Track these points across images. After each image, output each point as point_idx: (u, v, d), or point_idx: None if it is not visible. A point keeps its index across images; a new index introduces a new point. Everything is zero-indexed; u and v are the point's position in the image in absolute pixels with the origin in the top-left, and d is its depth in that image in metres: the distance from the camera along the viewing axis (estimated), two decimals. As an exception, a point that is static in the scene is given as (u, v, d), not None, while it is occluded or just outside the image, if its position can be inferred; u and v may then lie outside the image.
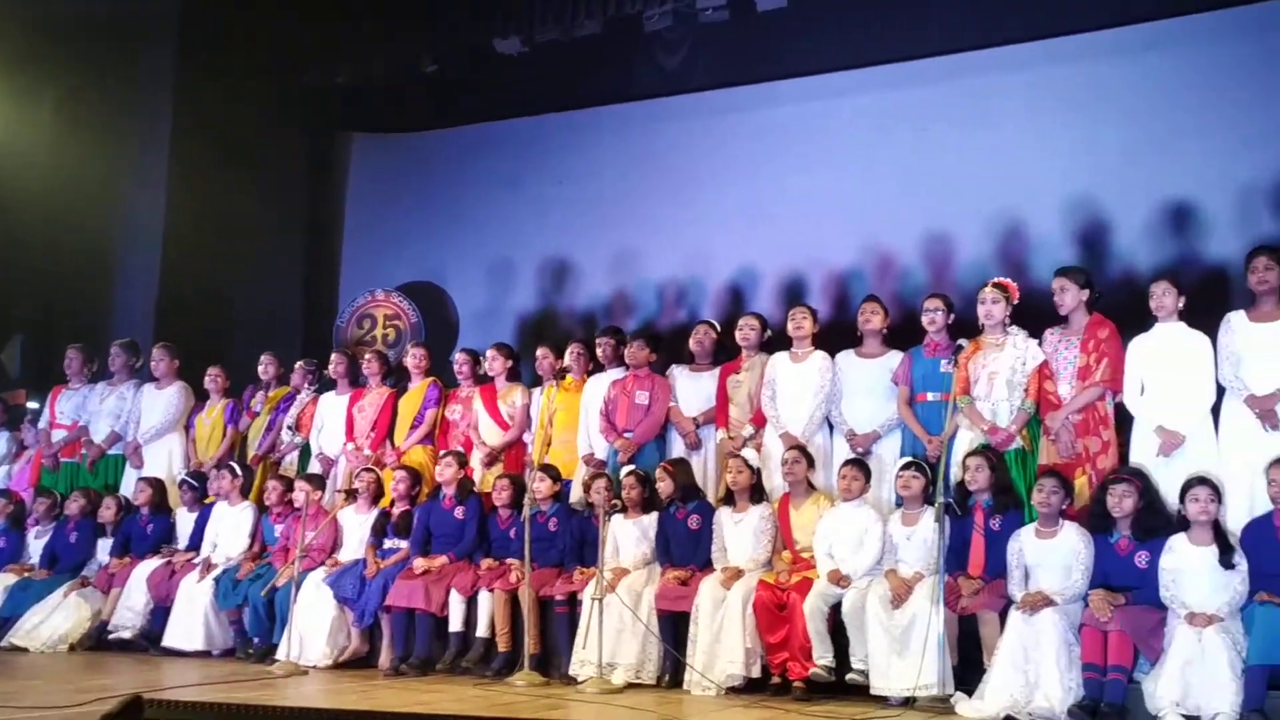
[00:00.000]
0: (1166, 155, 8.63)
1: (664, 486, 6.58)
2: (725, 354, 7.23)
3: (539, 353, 7.74)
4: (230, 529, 7.79)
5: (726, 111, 10.33)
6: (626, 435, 7.05)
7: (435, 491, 7.30)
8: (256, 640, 7.25)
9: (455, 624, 6.74)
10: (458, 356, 8.03)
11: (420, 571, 6.79)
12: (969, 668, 5.55)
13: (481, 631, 6.69)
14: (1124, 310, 6.58)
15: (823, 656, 5.81)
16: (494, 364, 7.78)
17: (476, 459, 7.56)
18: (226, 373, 8.71)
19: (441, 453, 7.40)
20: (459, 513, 7.01)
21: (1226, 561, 5.22)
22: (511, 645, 6.58)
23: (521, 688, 6.15)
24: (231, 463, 8.06)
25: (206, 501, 8.07)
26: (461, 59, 10.76)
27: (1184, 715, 5.00)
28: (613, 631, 6.18)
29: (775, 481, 6.52)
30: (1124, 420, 6.08)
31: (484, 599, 6.71)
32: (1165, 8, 8.82)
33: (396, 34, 10.61)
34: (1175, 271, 7.95)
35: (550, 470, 6.99)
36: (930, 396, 6.37)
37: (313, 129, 11.72)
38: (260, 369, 8.68)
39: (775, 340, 7.13)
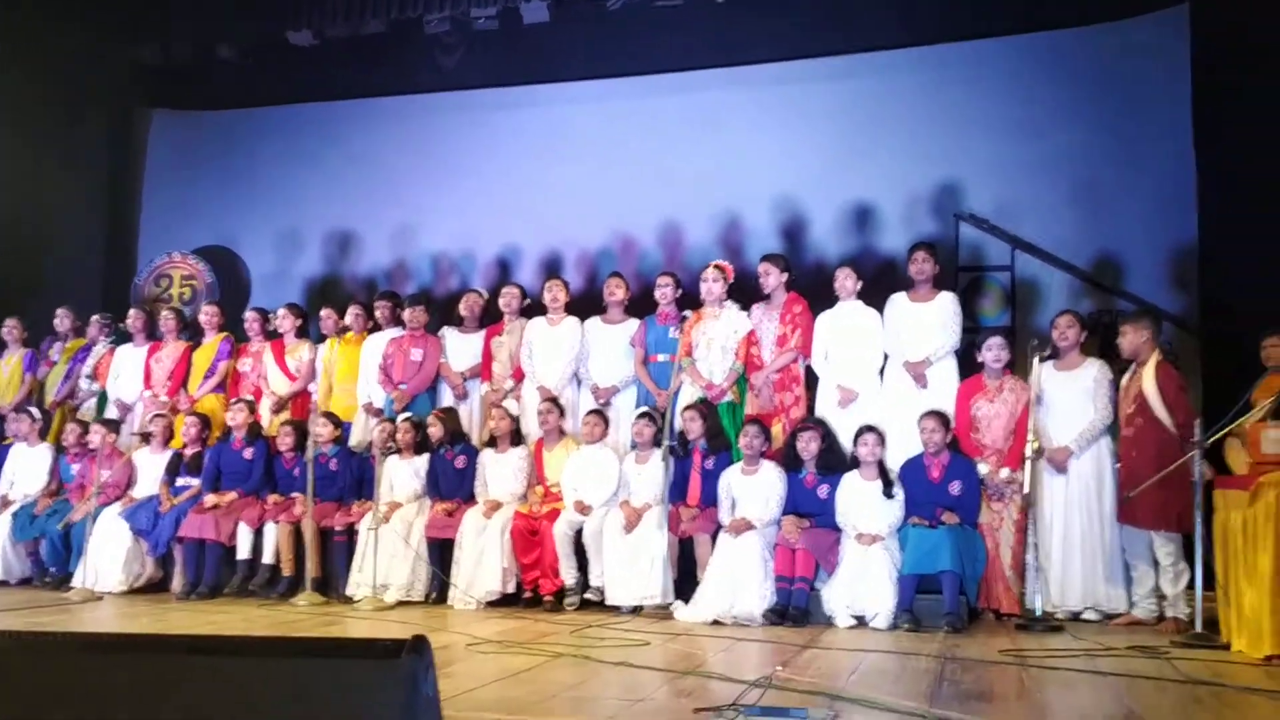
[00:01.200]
0: (853, 165, 9.10)
1: (435, 431, 6.52)
2: (490, 318, 7.21)
3: (323, 313, 7.50)
4: (28, 468, 7.24)
5: (497, 108, 10.23)
6: (401, 387, 6.93)
7: (225, 434, 6.99)
8: (53, 570, 6.79)
9: (243, 552, 6.50)
10: (249, 315, 7.68)
11: (210, 506, 6.50)
12: (686, 581, 5.77)
13: (267, 559, 6.49)
14: (816, 290, 6.91)
15: (568, 573, 5.93)
16: (284, 322, 7.48)
17: (265, 406, 7.27)
18: (23, 324, 8.04)
19: (233, 400, 7.10)
20: (248, 453, 6.74)
21: (888, 493, 5.60)
22: (295, 570, 6.41)
23: (303, 607, 6.01)
24: (30, 407, 7.47)
25: (5, 443, 7.45)
26: (257, 47, 10.23)
27: (852, 615, 5.36)
28: (386, 557, 6.12)
29: (531, 428, 6.57)
30: (812, 379, 6.41)
31: (270, 530, 6.49)
32: (856, 44, 9.28)
33: (196, 21, 9.97)
34: (856, 260, 8.45)
35: (332, 417, 6.80)
36: (660, 357, 6.52)
37: (117, 102, 10.89)
38: (56, 321, 8.08)
39: (533, 307, 7.15)
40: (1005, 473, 5.68)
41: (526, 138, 10.02)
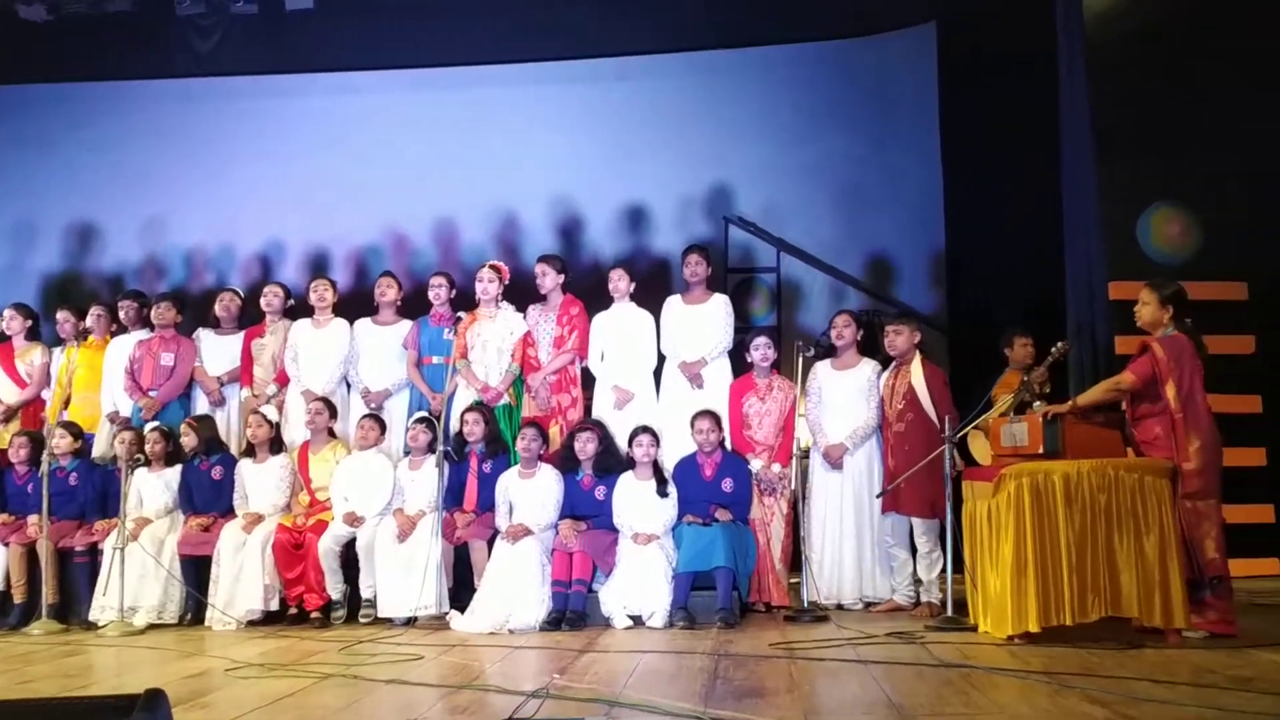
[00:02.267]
0: (628, 166, 9.20)
1: (188, 441, 6.12)
2: (250, 318, 6.82)
3: (60, 316, 6.87)
4: None
5: (259, 96, 9.71)
6: (151, 394, 6.46)
7: (-55, 449, 6.31)
8: None
9: (-32, 579, 5.89)
10: (-30, 317, 6.97)
11: (-71, 528, 5.86)
12: (463, 588, 5.64)
13: (-3, 585, 5.90)
14: (592, 291, 6.93)
15: (334, 588, 5.70)
16: (11, 323, 6.82)
17: (-8, 417, 6.61)
18: None
19: (-49, 411, 6.41)
20: (-28, 470, 6.11)
21: (662, 492, 5.66)
22: (28, 596, 5.86)
23: (39, 636, 5.52)
24: None
25: None
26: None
27: (629, 615, 5.39)
28: (134, 577, 5.69)
29: (294, 435, 6.26)
30: (589, 380, 6.41)
31: (-1, 553, 5.91)
32: (631, 47, 9.37)
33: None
34: (630, 260, 8.55)
35: (71, 427, 6.26)
36: (435, 360, 6.36)
37: None
38: None
39: (298, 307, 6.81)
40: (776, 468, 5.87)
41: (291, 128, 9.57)
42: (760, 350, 6.02)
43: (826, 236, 9.01)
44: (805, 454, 5.78)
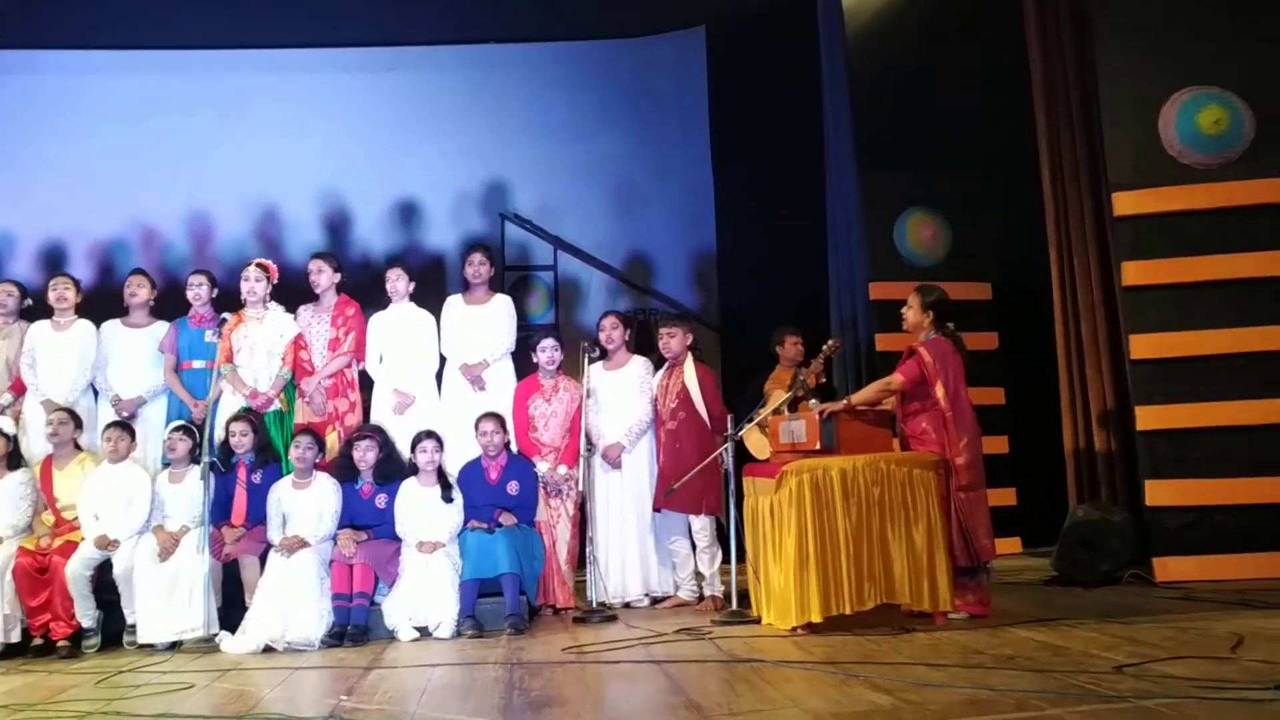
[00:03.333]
0: (400, 160, 8.97)
1: (-93, 458, 5.43)
2: (-22, 322, 6.13)
3: None
4: None
5: (-21, 72, 8.80)
6: None
7: None
8: None
9: None
10: None
11: None
12: (234, 608, 5.30)
13: None
14: (363, 290, 6.67)
15: (86, 615, 5.22)
16: None
17: None
18: None
19: None
20: None
21: (447, 497, 5.51)
22: None
23: None
24: None
25: None
26: None
27: (415, 627, 5.21)
28: None
29: (33, 449, 5.68)
30: (366, 384, 6.16)
31: None
32: (400, 37, 9.11)
33: None
34: (404, 258, 8.30)
35: None
36: (196, 364, 5.92)
37: None
38: None
39: (35, 308, 6.18)
40: (563, 470, 5.84)
41: (24, 108, 8.76)
42: (547, 352, 5.98)
43: (601, 235, 9.10)
44: (592, 450, 5.80)
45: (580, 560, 5.89)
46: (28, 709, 3.96)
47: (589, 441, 5.79)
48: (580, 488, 5.70)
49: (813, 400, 5.14)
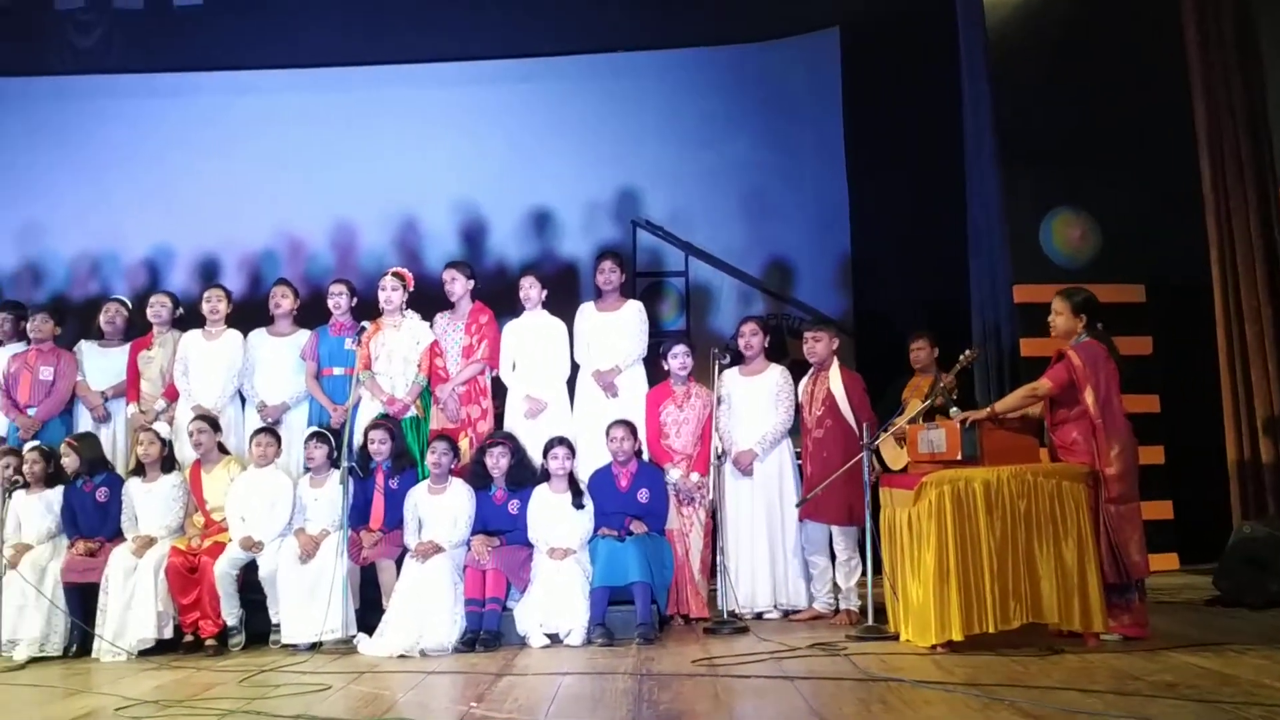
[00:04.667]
0: (533, 170, 9.02)
1: (69, 461, 5.68)
2: (137, 331, 6.40)
3: (-78, 329, 6.38)
4: None
5: (142, 96, 9.24)
6: (30, 411, 6.01)
7: None
8: None
9: None
10: None
11: None
12: (371, 610, 5.37)
13: None
14: (498, 297, 6.70)
15: (231, 613, 5.37)
16: None
17: None
18: None
19: None
20: None
21: (578, 504, 5.47)
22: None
23: (-99, 677, 5.04)
24: None
25: None
26: None
27: (546, 634, 5.18)
28: (13, 608, 5.25)
29: (185, 453, 5.88)
30: (499, 390, 6.19)
31: None
32: (533, 48, 9.19)
33: None
34: (537, 264, 8.35)
35: (-60, 448, 5.78)
36: (336, 371, 6.06)
37: None
38: None
39: (188, 317, 6.42)
40: (695, 477, 5.74)
41: (177, 129, 9.14)
42: (679, 358, 5.90)
43: (732, 240, 8.97)
44: (723, 457, 5.68)
45: (713, 569, 5.78)
46: (176, 704, 4.08)
47: (721, 449, 5.67)
48: (711, 495, 5.58)
49: (954, 409, 4.91)
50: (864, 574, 5.40)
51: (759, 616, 5.74)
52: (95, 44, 9.18)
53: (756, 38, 9.15)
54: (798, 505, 5.55)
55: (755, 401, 5.85)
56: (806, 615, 5.68)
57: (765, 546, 5.76)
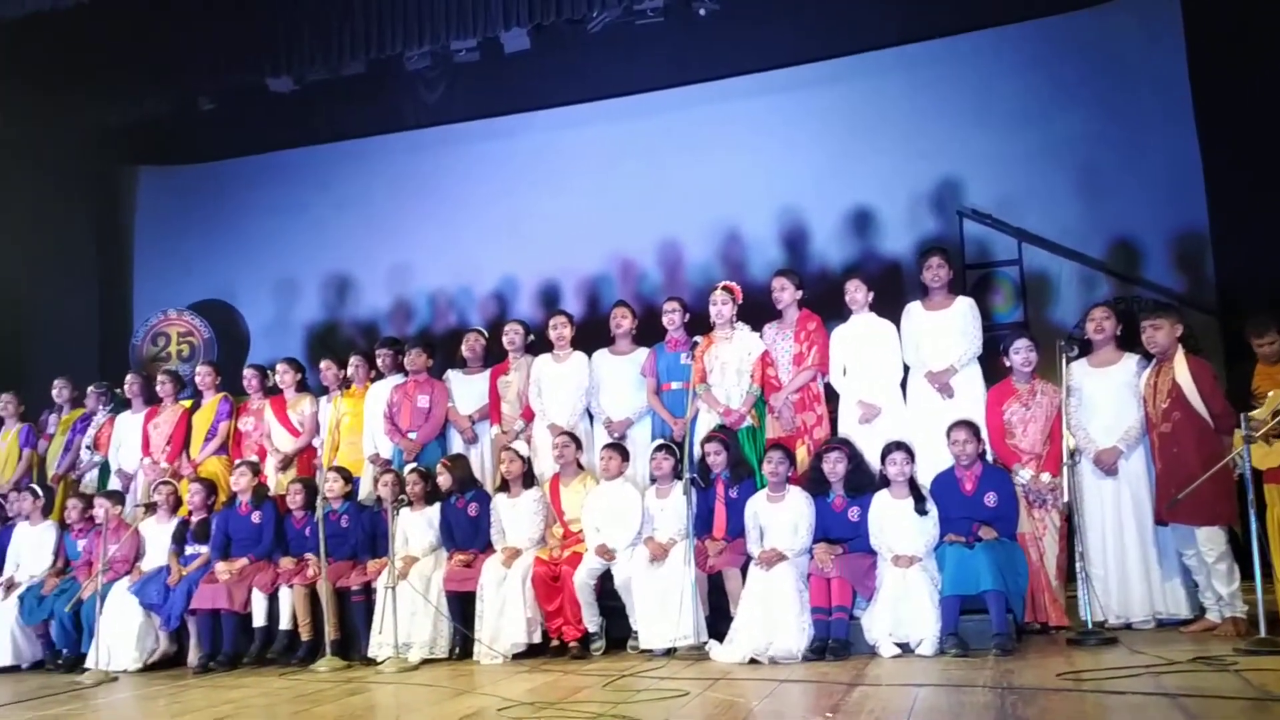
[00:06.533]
0: (849, 169, 8.87)
1: (444, 480, 6.21)
2: (493, 357, 6.91)
3: (323, 365, 7.19)
4: (32, 547, 6.94)
5: (483, 140, 10.01)
6: (410, 436, 6.64)
7: (231, 499, 6.67)
8: (64, 652, 6.50)
9: (259, 619, 6.20)
10: (246, 372, 7.35)
11: (223, 577, 6.20)
12: (719, 617, 5.46)
13: (284, 624, 6.18)
14: (822, 301, 6.64)
15: (590, 621, 5.65)
16: (284, 377, 7.18)
17: (270, 465, 6.97)
18: (19, 399, 7.75)
19: (236, 462, 6.78)
20: (255, 517, 6.42)
21: (920, 510, 5.29)
22: (314, 634, 6.12)
23: (325, 673, 5.71)
24: (32, 484, 7.17)
25: (5, 523, 7.16)
26: (237, 97, 9.98)
27: (896, 643, 5.05)
28: (406, 614, 5.80)
29: (543, 468, 6.27)
30: (832, 397, 6.11)
31: (285, 594, 6.19)
32: (839, 48, 9.06)
33: (174, 75, 9.70)
34: (860, 265, 8.19)
35: (341, 471, 6.50)
36: (674, 385, 6.23)
37: (100, 161, 10.64)
38: (54, 393, 7.80)
39: (537, 342, 6.85)
40: (1046, 478, 5.39)
41: (514, 167, 9.80)
42: (1021, 353, 5.57)
43: (1069, 222, 8.36)
44: (1077, 456, 5.27)
45: (1070, 574, 5.40)
46: (549, 706, 4.32)
47: (1074, 446, 5.28)
48: (1066, 497, 5.20)
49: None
50: (1248, 577, 4.81)
51: (1129, 627, 5.28)
52: (439, 97, 10.05)
53: (1082, 4, 8.49)
54: (1169, 506, 5.03)
55: (1110, 394, 5.41)
56: (1199, 626, 5.12)
57: (1137, 551, 5.30)
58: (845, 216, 8.89)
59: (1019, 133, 8.47)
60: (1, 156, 9.31)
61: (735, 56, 9.20)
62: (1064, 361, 5.32)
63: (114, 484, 7.25)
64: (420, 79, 9.92)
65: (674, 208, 9.23)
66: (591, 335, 6.93)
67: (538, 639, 5.74)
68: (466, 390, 6.77)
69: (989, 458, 5.51)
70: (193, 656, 6.23)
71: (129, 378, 7.67)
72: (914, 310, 5.97)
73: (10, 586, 6.70)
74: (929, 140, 8.69)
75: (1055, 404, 5.45)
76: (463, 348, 6.90)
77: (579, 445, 6.12)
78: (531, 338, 6.80)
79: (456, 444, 6.73)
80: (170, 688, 5.67)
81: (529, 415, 6.52)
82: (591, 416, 6.50)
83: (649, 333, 6.69)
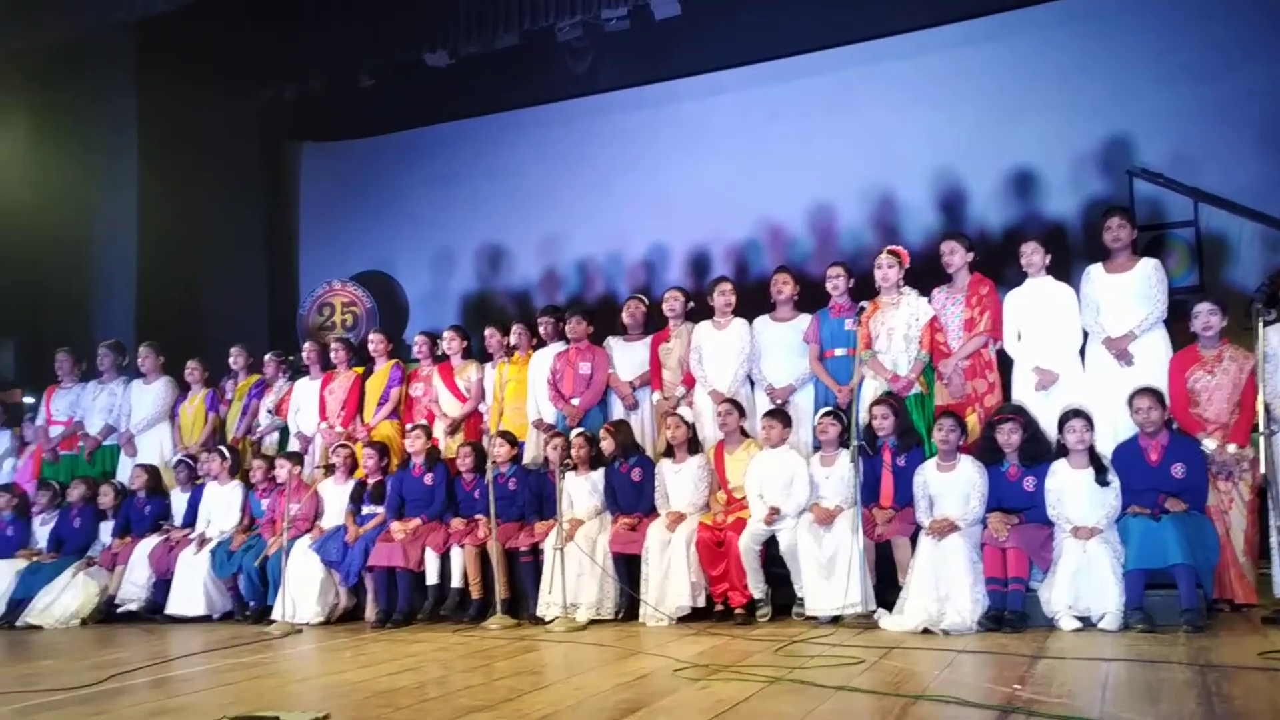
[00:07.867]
0: (1010, 129, 8.56)
1: (607, 445, 6.27)
2: (653, 324, 6.92)
3: (487, 332, 7.33)
4: (221, 505, 7.31)
5: (632, 109, 10.02)
6: (573, 402, 6.72)
7: (405, 461, 6.88)
8: (252, 604, 6.84)
9: (432, 577, 6.40)
10: (417, 339, 7.56)
11: (398, 536, 6.42)
12: (887, 586, 5.38)
13: (456, 582, 6.36)
14: (989, 266, 6.39)
15: (756, 587, 5.63)
16: (451, 344, 7.35)
17: (439, 430, 7.16)
18: (204, 365, 8.16)
19: (409, 426, 6.98)
20: (428, 479, 6.62)
21: (1102, 480, 5.10)
22: (483, 593, 6.28)
23: (496, 630, 5.85)
24: (221, 446, 7.55)
25: (197, 482, 7.57)
26: (395, 73, 10.24)
27: (1076, 616, 4.88)
28: (573, 575, 5.90)
29: (704, 434, 6.27)
30: (1005, 364, 5.92)
31: (456, 553, 6.38)
32: (1003, 3, 8.71)
33: (336, 52, 10.00)
34: (1023, 229, 7.88)
35: (507, 436, 6.64)
36: (838, 352, 6.14)
37: (266, 139, 11.08)
38: (231, 360, 8.18)
39: (697, 309, 6.82)
40: (1233, 449, 5.11)
41: (665, 135, 9.78)
42: (1203, 318, 5.29)
43: (1250, 179, 7.88)
44: (1272, 428, 4.96)
45: (1263, 550, 5.11)
46: (723, 669, 4.32)
47: (1269, 415, 4.98)
48: (1263, 469, 4.91)
49: None
50: None
51: (1330, 607, 4.98)
52: (589, 67, 10.08)
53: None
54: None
55: (1310, 360, 5.07)
56: None
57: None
58: (1004, 178, 8.59)
59: (1195, 88, 8.02)
60: (174, 139, 9.77)
61: (884, 17, 8.95)
62: (1261, 324, 5.01)
63: (293, 446, 7.56)
64: (570, 49, 9.96)
65: (824, 172, 9.08)
66: (742, 302, 6.87)
67: (701, 603, 5.76)
68: (627, 357, 6.81)
69: (1174, 427, 5.24)
70: (370, 612, 6.47)
71: (306, 345, 7.98)
72: (1094, 273, 5.71)
73: (203, 542, 7.07)
74: (1095, 97, 8.31)
75: (1245, 370, 5.15)
76: (623, 314, 6.93)
77: (742, 412, 6.09)
78: (692, 305, 6.78)
79: (618, 410, 6.77)
80: (352, 640, 5.90)
81: (690, 381, 6.51)
82: (753, 383, 6.45)
83: (804, 299, 6.59)
